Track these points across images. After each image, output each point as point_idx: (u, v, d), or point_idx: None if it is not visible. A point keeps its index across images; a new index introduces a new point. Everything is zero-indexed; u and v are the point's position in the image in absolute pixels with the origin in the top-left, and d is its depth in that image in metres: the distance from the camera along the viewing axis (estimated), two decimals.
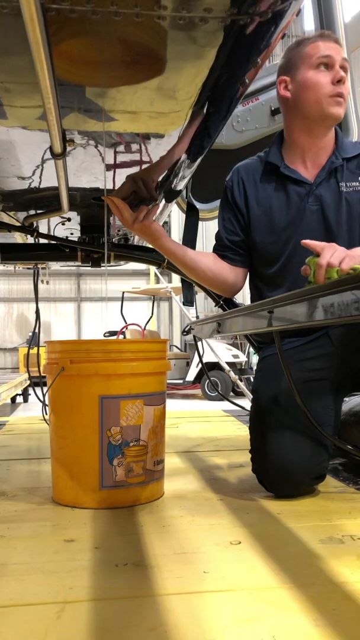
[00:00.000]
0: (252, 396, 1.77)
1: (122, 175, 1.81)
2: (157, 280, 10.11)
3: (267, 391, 1.67)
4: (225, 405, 3.76)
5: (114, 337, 7.46)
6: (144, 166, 1.75)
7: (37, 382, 3.46)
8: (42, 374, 1.78)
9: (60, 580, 1.06)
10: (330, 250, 1.27)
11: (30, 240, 2.63)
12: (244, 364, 7.95)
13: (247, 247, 1.78)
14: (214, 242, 1.85)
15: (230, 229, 1.78)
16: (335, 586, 1.02)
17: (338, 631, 0.85)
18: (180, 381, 8.28)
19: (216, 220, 1.93)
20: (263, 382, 1.73)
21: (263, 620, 0.90)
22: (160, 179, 1.85)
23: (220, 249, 1.80)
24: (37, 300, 3.12)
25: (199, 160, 1.74)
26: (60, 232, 2.64)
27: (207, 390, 7.90)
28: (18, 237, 2.90)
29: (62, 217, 2.36)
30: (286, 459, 1.52)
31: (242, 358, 7.93)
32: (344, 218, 1.66)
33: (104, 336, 7.67)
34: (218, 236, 1.82)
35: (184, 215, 2.58)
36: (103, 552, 1.20)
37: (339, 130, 1.73)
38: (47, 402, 1.69)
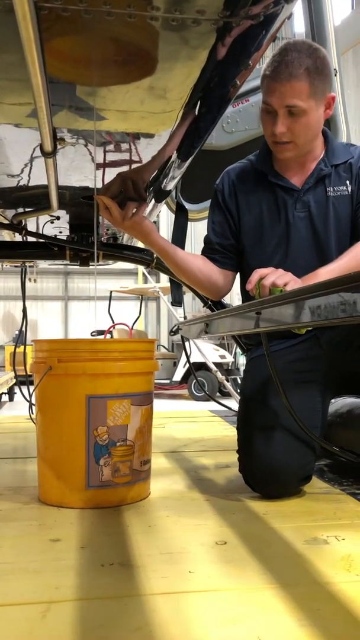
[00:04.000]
0: (239, 396, 1.77)
1: (111, 174, 1.81)
2: (145, 280, 10.11)
3: (255, 392, 1.67)
4: (212, 405, 3.77)
5: (102, 337, 7.44)
6: (134, 166, 1.75)
7: (23, 380, 3.44)
8: (29, 373, 1.77)
9: (45, 580, 1.06)
10: (275, 274, 1.40)
11: (18, 238, 2.61)
12: (230, 364, 7.97)
13: (236, 251, 1.78)
14: (202, 243, 1.85)
15: (220, 232, 1.78)
16: (319, 586, 1.03)
17: (322, 631, 0.86)
18: (167, 381, 8.29)
19: (205, 222, 1.93)
20: (251, 383, 1.74)
21: (248, 620, 0.90)
22: (150, 179, 1.85)
23: (210, 251, 1.80)
24: (24, 298, 3.10)
25: (189, 160, 1.74)
26: (49, 230, 2.63)
27: (194, 391, 7.91)
28: (6, 235, 2.88)
29: (51, 216, 2.35)
30: (273, 459, 1.53)
31: (229, 358, 7.95)
32: (332, 223, 1.67)
33: (91, 335, 7.64)
34: (207, 239, 1.82)
35: (173, 216, 2.58)
36: (89, 551, 1.20)
37: (329, 133, 1.72)
38: (33, 401, 1.68)
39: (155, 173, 1.81)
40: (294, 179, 1.70)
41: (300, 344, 1.71)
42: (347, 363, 1.70)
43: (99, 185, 1.93)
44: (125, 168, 1.77)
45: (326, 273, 1.48)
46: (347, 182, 1.67)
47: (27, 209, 2.26)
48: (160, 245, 1.70)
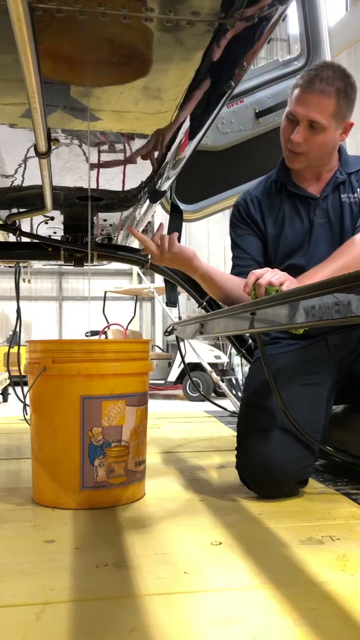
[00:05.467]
0: (242, 395, 1.79)
1: (106, 174, 1.81)
2: (140, 280, 10.10)
3: (259, 392, 1.68)
4: (207, 406, 3.77)
5: (96, 337, 7.43)
6: (129, 166, 1.75)
7: (17, 381, 3.43)
8: (23, 374, 1.77)
9: (40, 581, 1.06)
10: (271, 273, 1.42)
11: (12, 238, 2.61)
12: (225, 364, 7.97)
13: (263, 262, 1.79)
14: (197, 243, 1.85)
15: (251, 246, 1.80)
16: (314, 586, 1.03)
17: (317, 631, 0.86)
18: (162, 381, 8.28)
19: (200, 222, 1.94)
20: (255, 383, 1.75)
21: (243, 620, 0.90)
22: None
23: (244, 266, 1.77)
24: (18, 298, 3.09)
25: (183, 161, 1.74)
26: (43, 231, 2.63)
27: (188, 391, 7.91)
28: (0, 236, 2.87)
29: (46, 216, 2.34)
30: (272, 459, 1.54)
31: (224, 359, 7.96)
32: (350, 227, 1.72)
33: (86, 336, 7.63)
34: (237, 257, 1.82)
35: (167, 216, 2.58)
36: (83, 552, 1.20)
37: (342, 147, 1.78)
38: (27, 402, 1.68)
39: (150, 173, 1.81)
40: (311, 188, 1.76)
41: (309, 347, 1.74)
42: (353, 367, 1.72)
43: (93, 186, 1.92)
44: (120, 168, 1.77)
45: (320, 272, 1.51)
46: (359, 189, 1.73)
47: (21, 210, 2.25)
48: (203, 272, 1.70)
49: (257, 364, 1.82)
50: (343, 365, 1.72)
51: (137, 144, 1.57)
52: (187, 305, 10.10)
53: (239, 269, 1.79)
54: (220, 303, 2.38)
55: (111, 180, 1.87)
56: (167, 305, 2.92)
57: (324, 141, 1.62)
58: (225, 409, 3.48)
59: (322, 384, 1.68)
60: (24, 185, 1.93)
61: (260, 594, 0.99)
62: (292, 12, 2.76)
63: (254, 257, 1.79)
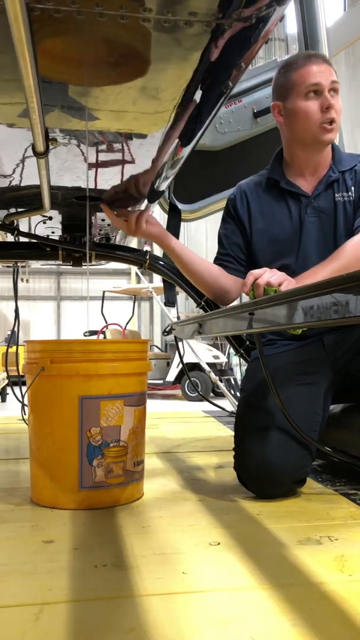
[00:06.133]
0: (240, 395, 1.79)
1: (104, 174, 1.80)
2: (139, 280, 10.10)
3: (256, 391, 1.69)
4: (205, 405, 3.77)
5: (94, 337, 7.42)
6: (126, 166, 1.75)
7: (15, 381, 3.43)
8: (22, 374, 1.77)
9: (38, 582, 1.05)
10: (270, 273, 1.43)
11: (10, 238, 2.61)
12: (224, 364, 7.98)
13: (246, 259, 1.82)
14: (195, 243, 1.87)
15: (230, 241, 1.83)
16: (313, 586, 1.03)
17: (315, 631, 0.86)
18: (161, 381, 8.29)
19: (198, 222, 1.95)
20: (252, 383, 1.75)
21: (241, 620, 0.90)
22: (146, 178, 1.84)
23: (222, 257, 1.84)
24: (16, 298, 3.09)
25: (182, 161, 1.74)
26: (42, 230, 2.62)
27: (187, 391, 7.91)
28: None
29: (44, 216, 2.34)
30: (270, 459, 1.54)
31: (223, 359, 7.96)
32: (342, 227, 1.72)
33: (84, 336, 7.63)
34: (219, 248, 1.86)
35: (166, 216, 2.58)
36: (82, 553, 1.20)
37: (335, 143, 1.78)
38: (26, 402, 1.68)
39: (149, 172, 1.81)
40: (305, 186, 1.76)
41: (305, 347, 1.74)
42: (349, 367, 1.72)
43: (91, 185, 1.92)
44: (118, 168, 1.77)
45: (319, 273, 1.51)
46: (353, 188, 1.73)
47: (19, 209, 2.25)
48: (171, 247, 1.78)
49: (253, 364, 1.82)
50: (339, 366, 1.72)
51: (135, 143, 1.56)
52: (185, 305, 10.11)
53: (217, 260, 1.84)
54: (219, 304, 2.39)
55: (109, 180, 1.86)
56: (165, 305, 2.92)
57: (341, 106, 1.68)
58: (223, 409, 3.49)
59: (319, 383, 1.68)
60: (22, 185, 1.93)
61: (259, 594, 0.99)
62: (291, 12, 2.76)
63: (234, 253, 1.81)
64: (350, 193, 1.72)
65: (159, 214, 3.15)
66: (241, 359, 2.64)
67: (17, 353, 3.12)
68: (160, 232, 1.80)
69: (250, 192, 1.83)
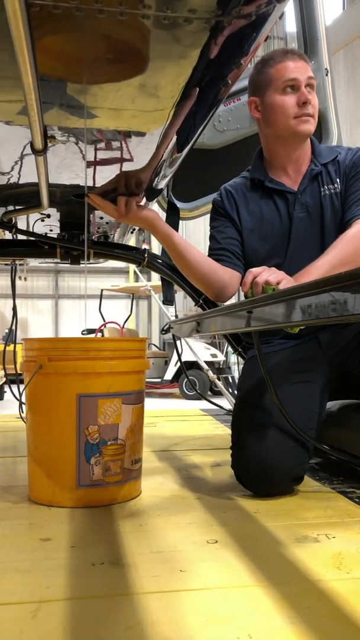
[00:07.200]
0: (236, 394, 1.79)
1: (103, 172, 1.80)
2: (137, 279, 10.10)
3: (252, 390, 1.69)
4: (203, 404, 3.77)
5: (92, 335, 7.42)
6: (125, 164, 1.75)
7: (13, 379, 3.43)
8: (19, 372, 1.77)
9: (36, 580, 1.05)
10: (268, 272, 1.42)
11: (8, 236, 2.60)
12: (222, 363, 7.97)
13: (240, 253, 1.80)
14: (194, 241, 1.86)
15: (226, 234, 1.80)
16: (310, 584, 1.03)
17: (313, 629, 0.86)
18: (159, 380, 8.28)
19: (196, 220, 1.94)
20: (249, 381, 1.75)
21: (239, 618, 0.90)
22: (141, 176, 1.84)
23: (216, 252, 1.79)
24: (14, 296, 3.08)
25: (180, 159, 1.74)
26: (40, 228, 2.62)
27: (185, 389, 7.91)
28: None
29: (42, 214, 2.34)
30: (267, 457, 1.54)
31: (221, 357, 7.96)
32: (330, 221, 1.71)
33: (82, 334, 7.62)
34: (211, 244, 1.83)
35: (164, 214, 2.58)
36: (80, 551, 1.20)
37: (313, 138, 1.78)
38: (23, 400, 1.68)
39: (146, 170, 1.81)
40: (289, 182, 1.75)
41: (301, 345, 1.73)
42: (345, 365, 1.72)
43: (90, 183, 1.92)
44: (116, 166, 1.77)
45: (316, 269, 1.50)
46: (338, 180, 1.72)
47: (17, 207, 2.25)
48: (163, 232, 1.70)
49: (250, 363, 1.82)
50: (336, 364, 1.72)
51: (134, 141, 1.56)
52: (183, 303, 10.10)
53: (212, 256, 1.80)
54: (217, 302, 2.38)
55: (108, 178, 1.86)
56: (163, 303, 2.92)
57: (317, 101, 1.69)
58: (221, 407, 3.49)
59: (315, 381, 1.68)
60: (20, 182, 1.93)
61: (256, 592, 1.00)
62: (290, 10, 2.76)
63: (228, 246, 1.77)
64: (336, 185, 1.71)
65: (157, 212, 3.12)
66: (239, 358, 2.64)
67: (14, 351, 3.11)
68: (153, 217, 1.68)
69: (236, 193, 1.81)
